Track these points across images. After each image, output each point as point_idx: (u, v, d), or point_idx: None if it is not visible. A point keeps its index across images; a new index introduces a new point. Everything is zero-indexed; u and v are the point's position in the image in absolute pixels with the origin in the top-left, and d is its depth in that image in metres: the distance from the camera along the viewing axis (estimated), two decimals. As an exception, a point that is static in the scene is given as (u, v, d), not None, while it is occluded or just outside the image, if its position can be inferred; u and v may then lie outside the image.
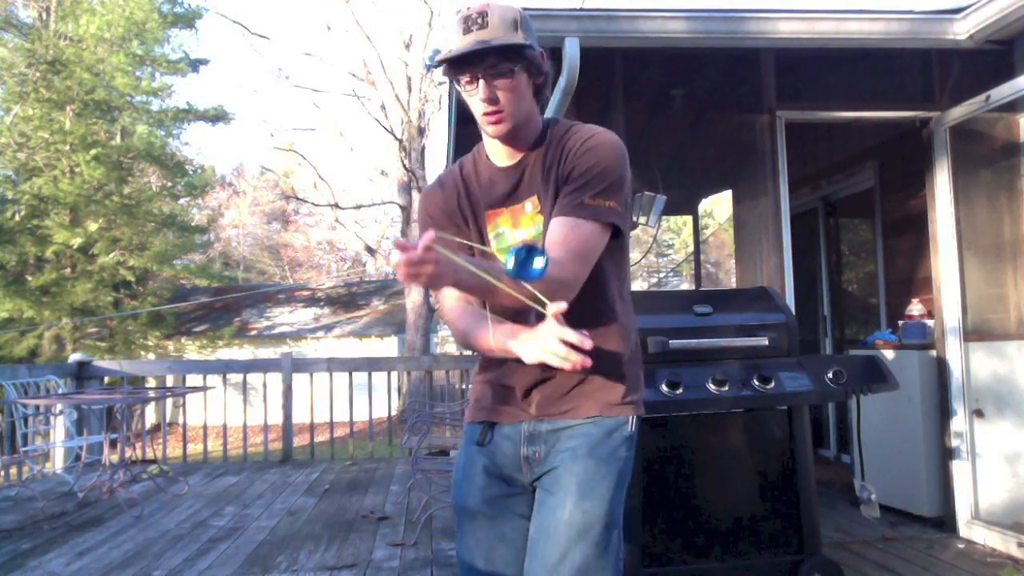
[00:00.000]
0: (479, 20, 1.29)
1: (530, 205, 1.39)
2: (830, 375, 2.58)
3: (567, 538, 1.27)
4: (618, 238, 1.37)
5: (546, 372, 1.35)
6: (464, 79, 1.31)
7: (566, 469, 1.32)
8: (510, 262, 1.05)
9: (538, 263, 1.05)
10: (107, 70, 16.19)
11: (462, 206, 1.44)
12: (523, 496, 1.40)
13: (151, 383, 7.58)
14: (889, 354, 3.75)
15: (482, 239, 1.42)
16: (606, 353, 1.36)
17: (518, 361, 1.34)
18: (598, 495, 1.29)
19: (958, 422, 3.37)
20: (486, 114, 1.33)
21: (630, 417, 1.37)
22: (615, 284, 1.40)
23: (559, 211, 1.31)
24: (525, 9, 1.40)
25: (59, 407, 5.34)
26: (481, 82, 1.30)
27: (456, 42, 1.28)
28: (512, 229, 1.40)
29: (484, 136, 1.43)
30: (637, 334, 1.46)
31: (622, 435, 1.35)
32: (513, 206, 1.40)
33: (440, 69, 1.35)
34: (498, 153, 1.42)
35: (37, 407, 5.25)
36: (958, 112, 3.39)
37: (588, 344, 1.09)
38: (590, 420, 1.35)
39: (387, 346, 18.69)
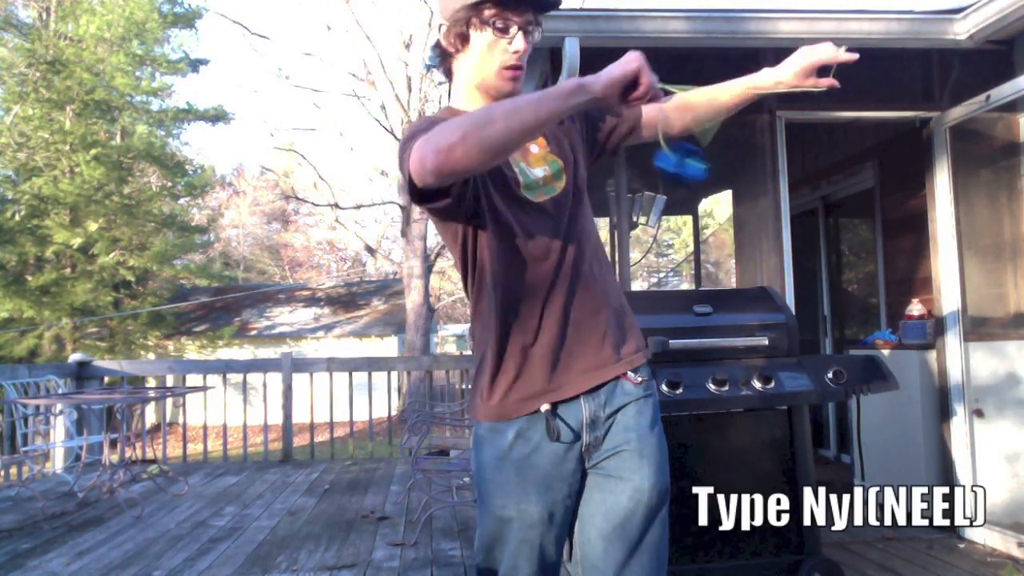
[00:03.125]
0: None
1: (536, 147, 1.36)
2: (830, 375, 2.58)
3: (647, 520, 1.28)
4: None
5: (610, 321, 1.33)
6: (500, 22, 1.25)
7: (636, 452, 1.30)
8: (669, 158, 1.09)
9: (698, 166, 1.12)
10: (107, 70, 16.20)
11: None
12: (576, 496, 1.33)
13: (151, 383, 7.57)
14: (889, 354, 3.75)
15: (503, 172, 1.33)
16: (620, 301, 1.39)
17: (584, 318, 1.30)
18: (665, 469, 1.32)
19: (958, 422, 3.37)
20: (512, 67, 1.28)
21: (653, 386, 1.40)
22: None
23: (638, 113, 1.42)
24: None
25: (59, 407, 5.34)
26: (520, 33, 1.27)
27: None
28: (528, 167, 1.34)
29: (471, 95, 1.34)
30: None
31: (657, 406, 1.38)
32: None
33: (461, 7, 1.26)
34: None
35: (37, 407, 5.25)
36: (958, 112, 3.39)
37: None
38: (638, 393, 1.33)
39: (387, 346, 18.69)
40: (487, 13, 1.25)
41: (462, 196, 1.22)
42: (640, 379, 1.34)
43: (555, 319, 1.29)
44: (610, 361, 1.31)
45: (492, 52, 1.27)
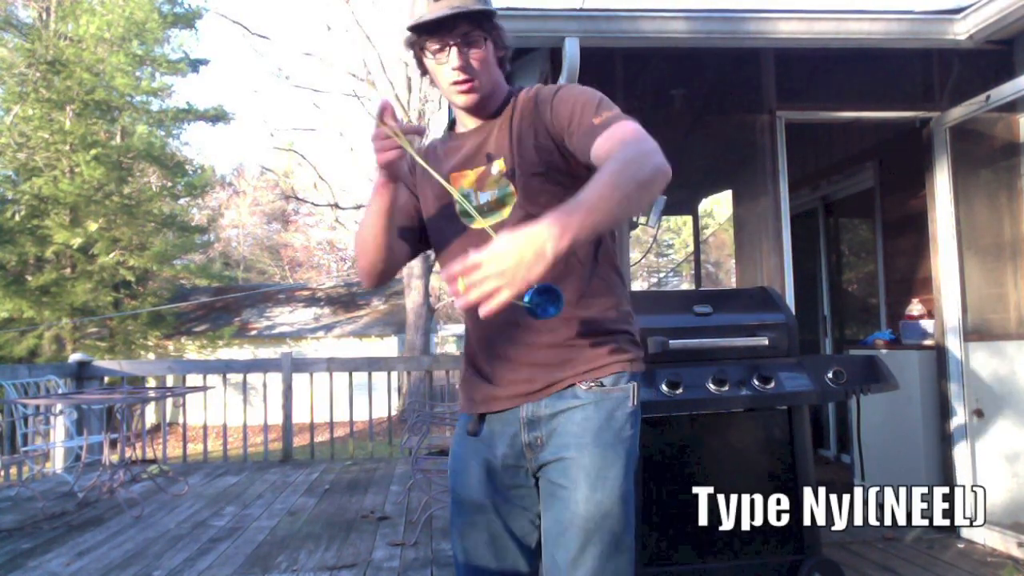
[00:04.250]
0: None
1: (496, 167, 1.35)
2: (830, 375, 2.58)
3: (585, 531, 1.25)
4: None
5: (522, 349, 1.33)
6: (434, 47, 1.30)
7: (574, 462, 1.28)
8: (528, 294, 1.02)
9: (555, 307, 1.05)
10: (107, 70, 16.20)
11: (423, 170, 1.39)
12: (525, 489, 1.37)
13: (151, 383, 7.58)
14: (889, 354, 3.75)
15: (442, 199, 1.40)
16: (592, 313, 1.34)
17: (490, 342, 1.37)
18: (609, 484, 1.27)
19: (958, 422, 3.37)
20: (457, 82, 1.32)
21: (630, 391, 1.32)
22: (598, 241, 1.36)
23: (581, 147, 1.25)
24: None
25: (59, 407, 5.34)
26: (453, 50, 1.30)
27: (426, 10, 1.28)
28: (476, 191, 1.36)
29: (451, 109, 1.43)
30: (625, 294, 1.42)
31: (624, 413, 1.31)
32: (478, 168, 1.37)
33: (406, 40, 1.35)
34: (463, 120, 1.42)
35: (37, 407, 5.24)
36: (958, 112, 3.39)
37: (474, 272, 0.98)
38: (590, 399, 1.30)
39: (387, 346, 18.69)
40: (422, 41, 1.32)
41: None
42: (590, 386, 1.31)
43: (480, 338, 1.40)
44: (532, 388, 1.33)
45: (440, 73, 1.33)
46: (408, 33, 1.32)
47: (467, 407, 1.43)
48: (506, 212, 1.33)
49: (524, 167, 1.33)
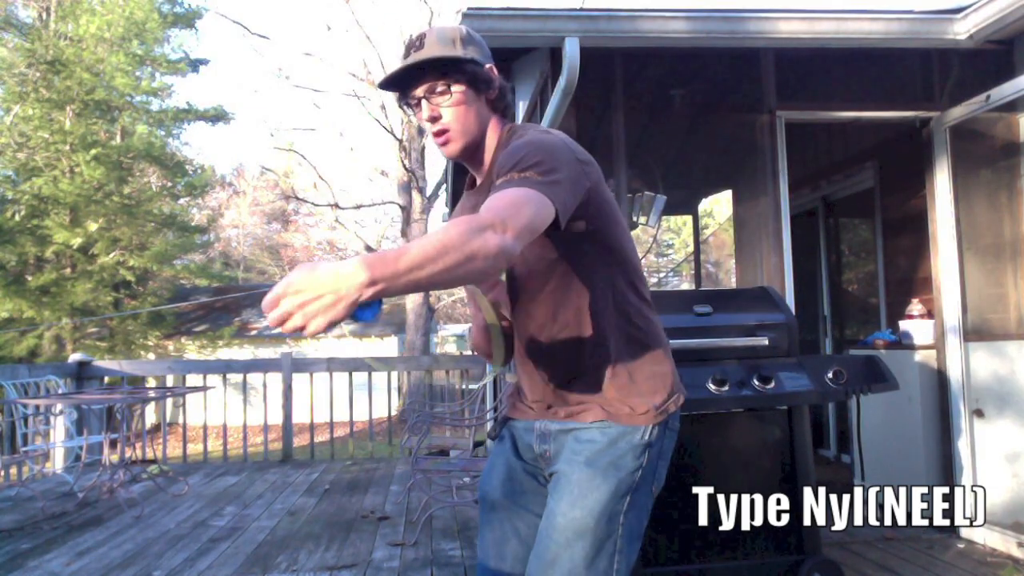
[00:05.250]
0: (417, 43, 1.29)
1: None
2: (830, 375, 2.58)
3: (557, 543, 1.26)
4: (574, 223, 1.22)
5: (554, 374, 1.38)
6: (408, 103, 1.31)
7: (563, 475, 1.31)
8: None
9: (368, 312, 0.96)
10: (107, 70, 16.19)
11: None
12: (540, 495, 1.40)
13: (151, 383, 7.57)
14: (889, 354, 3.75)
15: None
16: (611, 358, 1.32)
17: (527, 363, 1.41)
18: (587, 505, 1.26)
19: (958, 422, 3.37)
20: (434, 134, 1.32)
21: (643, 431, 1.30)
22: (611, 281, 1.32)
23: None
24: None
25: (59, 407, 5.34)
26: (424, 103, 1.29)
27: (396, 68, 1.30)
28: None
29: None
30: (659, 330, 1.39)
31: (629, 443, 1.29)
32: None
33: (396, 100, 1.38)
34: (473, 169, 1.41)
35: (37, 407, 5.24)
36: (958, 112, 3.38)
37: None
38: (597, 425, 1.31)
39: (387, 346, 18.69)
40: (400, 99, 1.34)
41: None
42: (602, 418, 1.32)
43: (518, 351, 1.45)
44: (549, 409, 1.40)
45: (424, 127, 1.35)
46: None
47: (502, 412, 1.56)
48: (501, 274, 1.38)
49: None
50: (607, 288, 1.33)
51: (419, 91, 1.29)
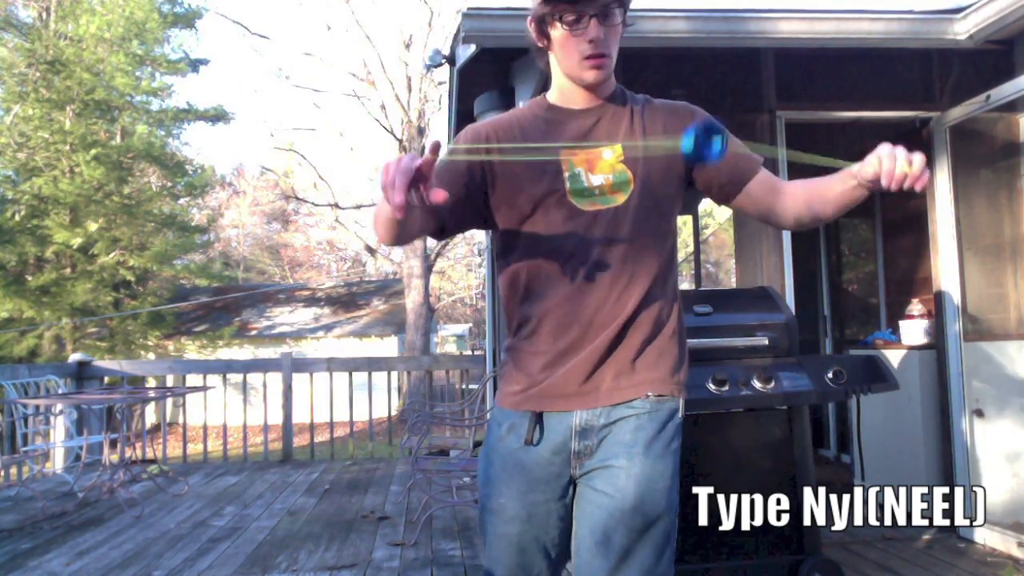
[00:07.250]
0: None
1: (609, 153, 1.31)
2: (830, 375, 2.58)
3: (630, 540, 1.23)
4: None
5: (617, 338, 1.28)
6: (570, 17, 1.24)
7: (623, 471, 1.25)
8: (688, 143, 1.05)
9: (716, 143, 1.05)
10: (107, 70, 16.20)
11: (529, 139, 1.33)
12: (563, 501, 1.31)
13: (151, 383, 7.57)
14: (889, 354, 3.75)
15: (551, 174, 1.31)
16: (666, 324, 1.35)
17: (582, 325, 1.28)
18: (658, 495, 1.25)
19: (958, 422, 3.37)
20: (591, 56, 1.26)
21: (679, 402, 1.33)
22: (670, 247, 1.37)
23: (749, 174, 1.35)
24: (525, 9, 1.38)
25: (59, 407, 5.34)
26: (592, 21, 1.25)
27: None
28: (587, 172, 1.30)
29: (559, 82, 1.36)
30: (681, 307, 1.42)
31: (675, 425, 1.31)
32: (588, 150, 1.31)
33: (535, 8, 1.28)
34: (573, 97, 1.35)
35: (37, 407, 5.25)
36: (958, 112, 3.39)
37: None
38: (644, 408, 1.28)
39: (387, 346, 18.69)
40: (559, 10, 1.26)
41: (451, 222, 1.33)
42: (648, 395, 1.29)
43: (554, 326, 1.30)
44: (599, 389, 1.29)
45: (569, 44, 1.27)
46: (538, 2, 1.27)
47: (522, 401, 1.32)
48: (619, 199, 1.29)
49: (650, 164, 1.31)
50: (670, 246, 1.37)
51: (592, 9, 1.24)
